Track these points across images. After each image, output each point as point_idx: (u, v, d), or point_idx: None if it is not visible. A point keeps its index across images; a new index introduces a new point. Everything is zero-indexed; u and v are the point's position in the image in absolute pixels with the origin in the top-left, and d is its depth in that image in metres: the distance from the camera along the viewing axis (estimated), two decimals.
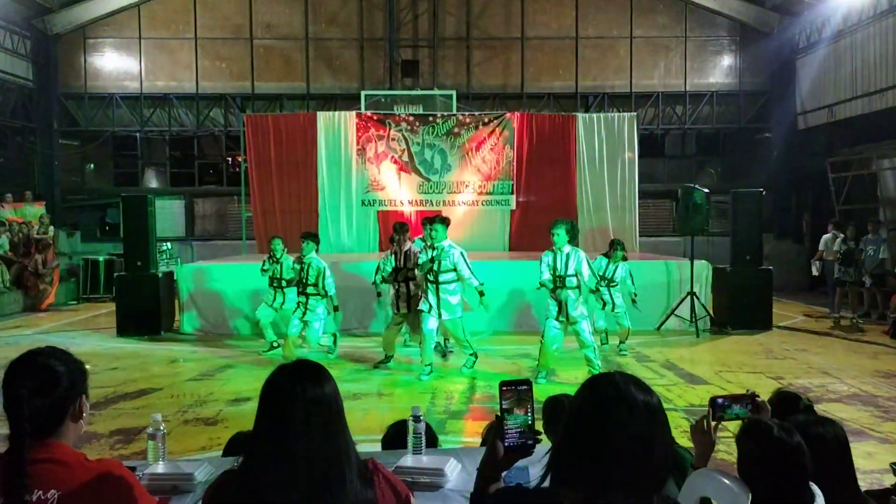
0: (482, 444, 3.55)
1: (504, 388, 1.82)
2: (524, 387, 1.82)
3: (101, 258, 15.63)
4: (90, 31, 17.93)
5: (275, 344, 9.30)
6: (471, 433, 6.00)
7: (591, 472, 1.55)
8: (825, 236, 13.16)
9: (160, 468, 2.67)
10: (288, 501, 1.69)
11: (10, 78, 16.48)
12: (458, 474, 2.67)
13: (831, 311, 12.65)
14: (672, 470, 1.65)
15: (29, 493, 1.79)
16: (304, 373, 1.81)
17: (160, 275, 11.20)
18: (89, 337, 10.84)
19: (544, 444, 1.80)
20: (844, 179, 15.11)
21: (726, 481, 2.08)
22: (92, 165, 18.97)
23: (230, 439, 3.48)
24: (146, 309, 10.81)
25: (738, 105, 18.18)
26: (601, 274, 9.08)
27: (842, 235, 12.70)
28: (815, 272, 13.44)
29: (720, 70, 18.31)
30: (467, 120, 14.52)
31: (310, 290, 8.78)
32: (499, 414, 1.82)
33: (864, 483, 4.61)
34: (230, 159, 18.50)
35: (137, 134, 18.19)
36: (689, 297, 10.75)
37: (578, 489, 1.55)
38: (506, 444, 1.80)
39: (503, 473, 1.88)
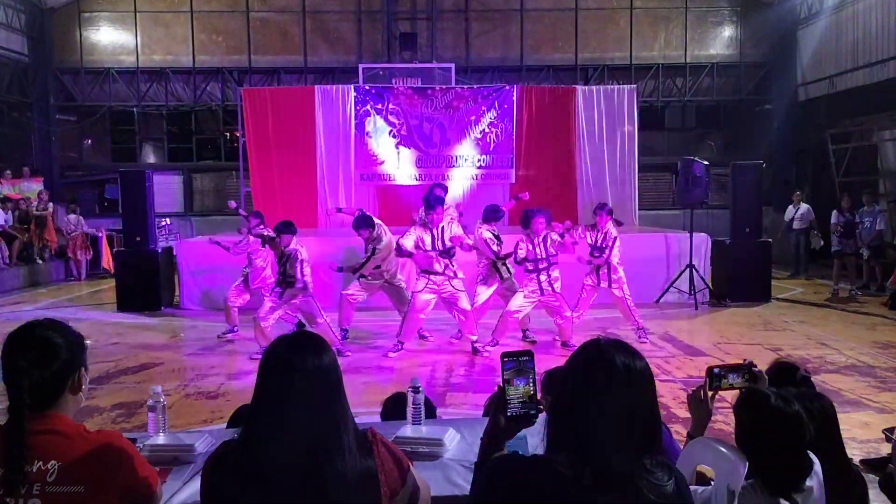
0: (484, 415, 3.58)
1: (505, 359, 1.85)
2: (525, 357, 1.84)
3: (100, 234, 15.60)
4: (85, 5, 17.74)
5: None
6: (471, 406, 6.04)
7: (578, 435, 1.58)
8: (806, 207, 13.61)
9: (161, 439, 2.69)
10: (287, 471, 1.70)
11: (4, 52, 16.33)
12: (457, 444, 2.69)
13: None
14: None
15: (29, 464, 1.80)
16: (302, 343, 1.83)
17: (159, 250, 11.22)
18: (90, 312, 10.87)
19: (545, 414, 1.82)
20: (845, 151, 15.04)
21: (723, 450, 2.10)
22: (89, 141, 18.88)
23: (234, 412, 3.50)
24: (146, 284, 10.83)
25: (738, 77, 18.05)
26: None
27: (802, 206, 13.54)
28: (815, 246, 13.50)
29: (721, 41, 18.15)
30: (466, 93, 14.41)
31: None
32: (500, 384, 1.84)
33: (860, 452, 4.67)
34: (228, 134, 18.43)
35: (134, 109, 18.07)
36: (688, 269, 10.77)
37: (570, 453, 1.57)
38: (507, 414, 1.82)
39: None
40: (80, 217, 15.15)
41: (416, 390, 2.81)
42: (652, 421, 1.62)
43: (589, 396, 1.59)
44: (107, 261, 15.07)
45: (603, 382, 1.59)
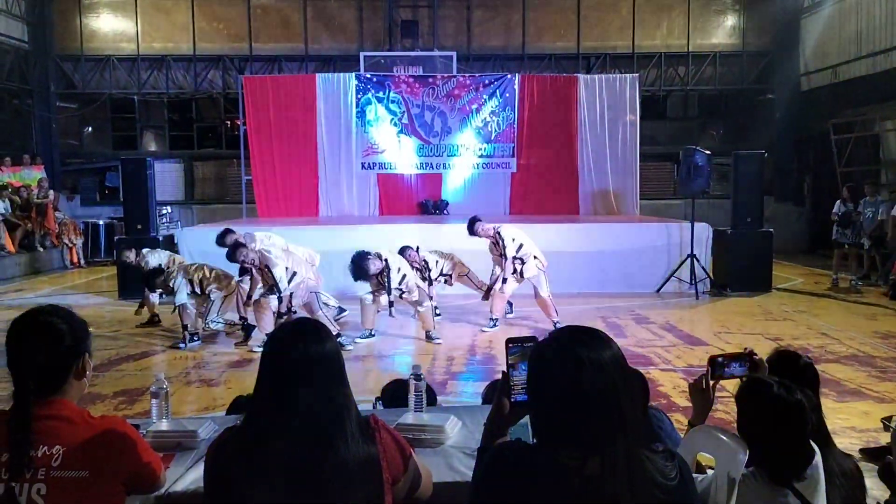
0: (483, 403, 3.59)
1: (510, 345, 1.86)
2: (530, 343, 1.85)
3: (101, 222, 15.62)
4: None
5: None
6: (472, 394, 6.06)
7: (559, 428, 1.58)
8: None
9: (164, 425, 2.70)
10: (289, 456, 1.71)
11: (4, 39, 16.27)
12: (458, 431, 2.70)
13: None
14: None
15: (34, 449, 1.81)
16: (304, 330, 1.84)
17: (161, 238, 11.21)
18: (91, 300, 10.88)
19: None
20: (847, 141, 15.00)
21: (724, 438, 2.11)
22: (90, 128, 18.84)
23: (232, 402, 3.51)
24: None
25: (741, 66, 17.97)
26: None
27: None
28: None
29: (723, 30, 18.07)
30: (468, 81, 14.38)
31: None
32: (505, 370, 1.85)
33: (860, 441, 4.68)
34: (229, 122, 18.38)
35: (135, 96, 18.03)
36: (689, 259, 10.77)
37: (572, 448, 1.56)
38: (512, 399, 1.83)
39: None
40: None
41: (417, 377, 2.82)
42: (623, 408, 1.58)
43: (559, 388, 1.58)
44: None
45: (571, 374, 1.57)
